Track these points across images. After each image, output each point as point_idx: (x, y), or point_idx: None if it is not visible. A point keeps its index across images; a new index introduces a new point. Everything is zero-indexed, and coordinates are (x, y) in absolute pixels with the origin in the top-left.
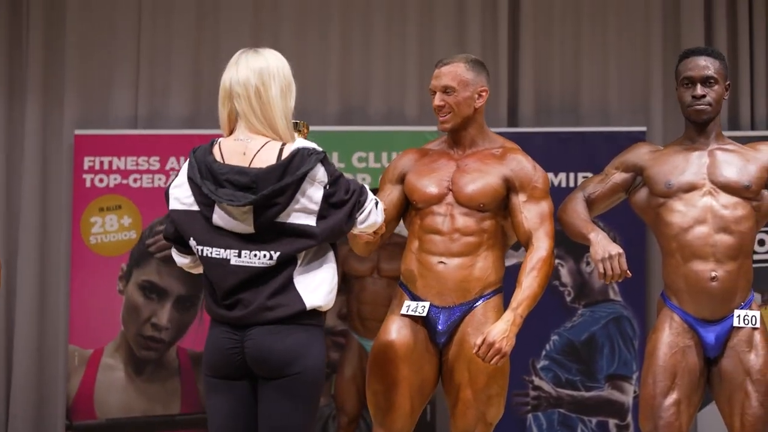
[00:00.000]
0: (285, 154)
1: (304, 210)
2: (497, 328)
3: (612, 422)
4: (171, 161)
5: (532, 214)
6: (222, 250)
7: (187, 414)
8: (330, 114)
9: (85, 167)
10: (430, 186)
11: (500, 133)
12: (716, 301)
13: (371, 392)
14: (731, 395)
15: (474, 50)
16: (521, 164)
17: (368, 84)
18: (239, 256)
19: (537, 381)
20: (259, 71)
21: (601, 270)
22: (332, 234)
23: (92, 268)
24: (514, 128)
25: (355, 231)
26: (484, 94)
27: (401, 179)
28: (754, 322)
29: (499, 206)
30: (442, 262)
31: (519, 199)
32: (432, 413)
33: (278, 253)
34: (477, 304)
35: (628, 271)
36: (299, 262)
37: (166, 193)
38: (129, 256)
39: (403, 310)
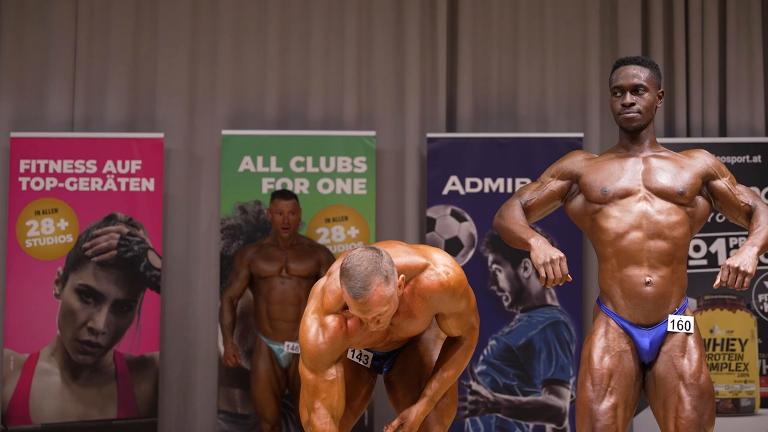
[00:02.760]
0: None
1: None
2: (413, 414)
3: (549, 427)
4: (108, 164)
5: (462, 330)
6: None
7: (123, 419)
8: (268, 118)
9: (21, 170)
10: (376, 343)
11: (439, 138)
12: (650, 306)
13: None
14: (665, 399)
15: (412, 55)
16: (444, 301)
17: (306, 89)
18: None
19: (475, 386)
20: None
21: (543, 274)
22: None
23: (28, 272)
24: (452, 133)
25: None
26: (402, 282)
27: (344, 351)
28: (687, 328)
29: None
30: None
31: (448, 321)
32: (370, 417)
33: None
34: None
35: (569, 275)
36: None
37: None
38: (65, 259)
39: (348, 355)
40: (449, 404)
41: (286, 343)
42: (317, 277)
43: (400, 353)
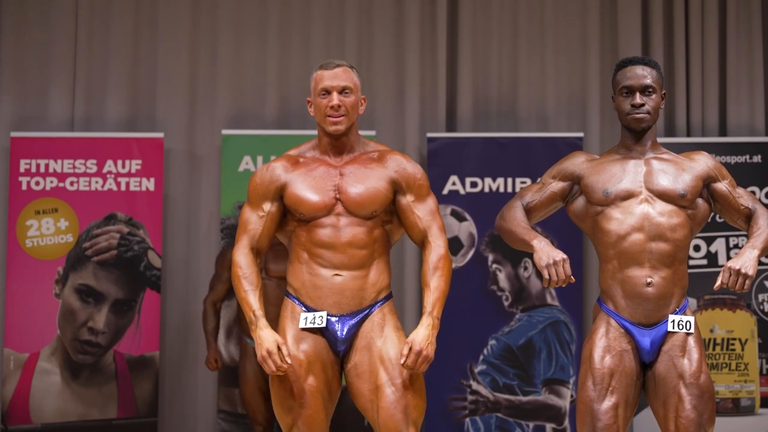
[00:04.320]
0: None
1: None
2: (420, 335)
3: (549, 426)
4: (108, 164)
5: (423, 212)
6: None
7: (123, 419)
8: (268, 118)
9: (21, 170)
10: (317, 196)
11: (439, 138)
12: (651, 306)
13: (283, 409)
14: (665, 399)
15: (413, 55)
16: (402, 164)
17: (307, 88)
18: None
19: (475, 385)
20: None
21: (546, 276)
22: None
23: (28, 272)
24: (452, 133)
25: None
26: (364, 101)
27: (279, 192)
28: (688, 327)
29: (386, 210)
30: (338, 274)
31: (408, 200)
32: None
33: None
34: (373, 309)
35: (572, 277)
36: None
37: None
38: (65, 259)
39: (301, 324)
40: (418, 402)
41: None
42: None
43: (354, 350)
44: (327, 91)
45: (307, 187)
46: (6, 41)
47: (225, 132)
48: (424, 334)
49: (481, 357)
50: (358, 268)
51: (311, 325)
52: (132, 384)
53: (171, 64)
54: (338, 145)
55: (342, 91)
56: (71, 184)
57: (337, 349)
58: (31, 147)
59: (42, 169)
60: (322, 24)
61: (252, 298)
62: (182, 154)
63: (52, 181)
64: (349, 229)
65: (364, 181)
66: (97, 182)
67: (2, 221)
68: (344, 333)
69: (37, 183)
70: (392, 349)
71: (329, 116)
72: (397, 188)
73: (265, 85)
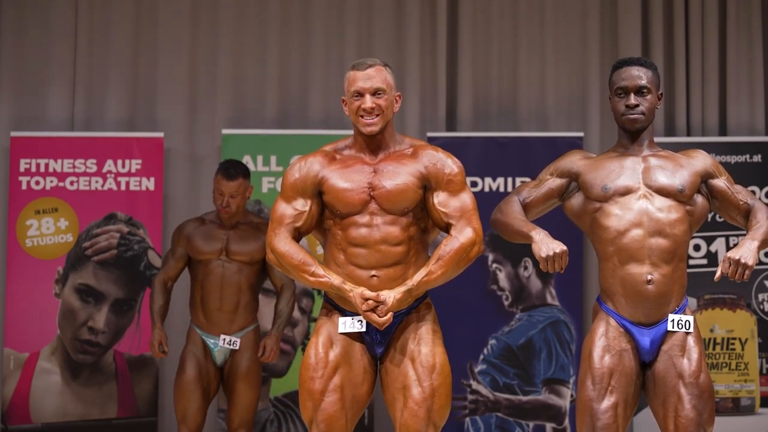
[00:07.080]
0: None
1: None
2: (391, 300)
3: (549, 426)
4: (108, 164)
5: (451, 208)
6: None
7: (123, 418)
8: (268, 117)
9: (21, 169)
10: (351, 192)
11: (439, 138)
12: (651, 305)
13: (305, 404)
14: (665, 398)
15: (413, 54)
16: (434, 159)
17: (307, 87)
18: None
19: (475, 385)
20: None
21: (545, 268)
22: None
23: (28, 271)
24: (452, 132)
25: None
26: (399, 99)
27: (317, 187)
28: (687, 327)
29: (419, 207)
30: (375, 275)
31: (435, 196)
32: (370, 417)
33: None
34: (411, 309)
35: (563, 268)
36: None
37: None
38: (65, 259)
39: (340, 329)
40: (443, 405)
41: (222, 336)
42: (262, 262)
43: (389, 350)
44: (360, 94)
45: (343, 184)
46: (6, 41)
47: (225, 132)
48: (393, 302)
49: (481, 357)
50: (394, 265)
51: (351, 330)
52: (132, 384)
53: (171, 64)
54: (373, 144)
55: (375, 92)
56: (71, 183)
57: (375, 351)
58: (31, 147)
59: (42, 169)
60: (322, 24)
61: (324, 277)
62: (182, 153)
63: (52, 181)
64: (384, 228)
65: (395, 177)
66: (97, 182)
67: (2, 221)
68: (382, 335)
69: (37, 183)
70: (424, 350)
71: (363, 118)
72: (426, 184)
73: (265, 85)
